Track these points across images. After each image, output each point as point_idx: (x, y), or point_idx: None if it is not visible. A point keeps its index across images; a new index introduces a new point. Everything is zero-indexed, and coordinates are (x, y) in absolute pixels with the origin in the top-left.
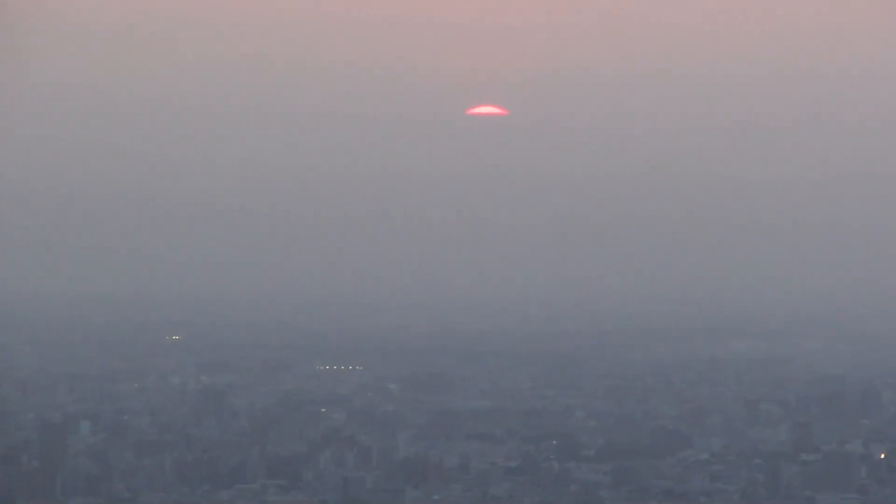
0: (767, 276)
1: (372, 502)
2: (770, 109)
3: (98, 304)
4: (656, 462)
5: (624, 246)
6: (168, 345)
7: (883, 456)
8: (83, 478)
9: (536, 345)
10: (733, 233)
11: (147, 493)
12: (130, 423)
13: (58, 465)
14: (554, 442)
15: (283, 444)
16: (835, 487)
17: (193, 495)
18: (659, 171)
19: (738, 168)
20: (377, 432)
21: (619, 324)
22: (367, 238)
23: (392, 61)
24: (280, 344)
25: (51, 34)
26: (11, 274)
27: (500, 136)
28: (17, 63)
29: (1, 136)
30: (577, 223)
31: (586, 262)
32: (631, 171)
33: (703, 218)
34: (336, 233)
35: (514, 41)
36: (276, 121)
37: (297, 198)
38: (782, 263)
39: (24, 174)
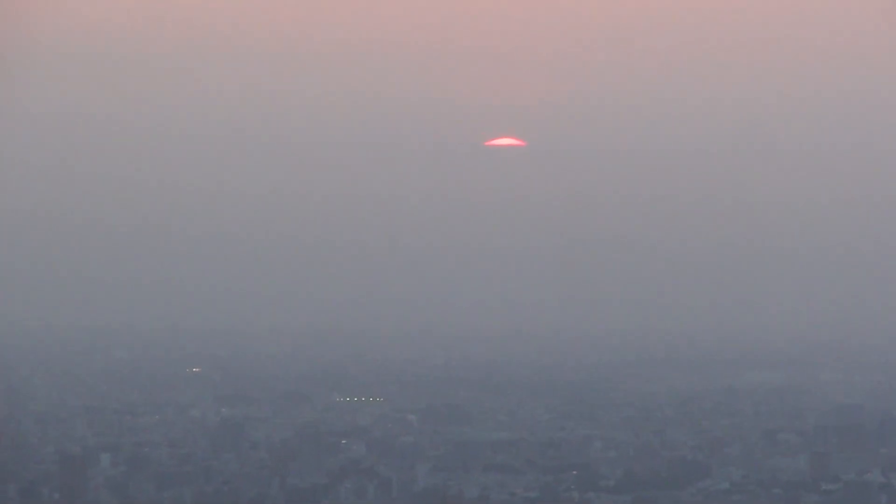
0: (784, 305)
1: None
2: (796, 133)
3: (117, 337)
4: (675, 492)
5: (641, 275)
6: (187, 377)
7: None
8: None
9: (554, 375)
10: (750, 261)
11: None
12: (150, 456)
13: (78, 498)
14: (573, 472)
15: (302, 476)
16: None
17: None
18: (675, 198)
19: (758, 195)
20: (396, 463)
21: (635, 354)
22: (384, 268)
23: (411, 91)
24: (298, 375)
25: (44, 57)
26: (30, 306)
27: (518, 166)
28: (21, 87)
29: (10, 164)
30: (594, 252)
31: (603, 292)
32: (645, 200)
33: (721, 246)
34: (354, 262)
35: (529, 71)
36: (293, 149)
37: (315, 228)
38: (799, 292)
39: (41, 205)
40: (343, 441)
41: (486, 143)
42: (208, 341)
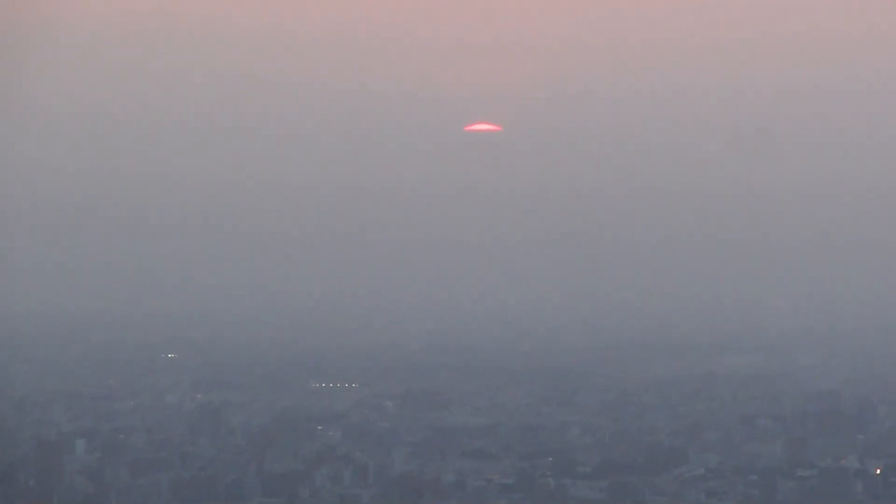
0: (763, 291)
1: None
2: (769, 122)
3: (94, 322)
4: (653, 478)
5: (619, 260)
6: (164, 362)
7: (879, 472)
8: (79, 496)
9: (532, 361)
10: (728, 247)
11: None
12: (126, 442)
13: (54, 483)
14: (550, 459)
15: (279, 462)
16: (831, 503)
17: None
18: (654, 185)
19: (734, 182)
20: (373, 449)
21: (614, 339)
22: (362, 254)
23: (391, 79)
24: (276, 361)
25: (45, 50)
26: (6, 291)
27: (495, 152)
28: (15, 78)
29: None
30: (573, 238)
31: (582, 277)
32: (625, 186)
33: (699, 232)
34: (332, 248)
35: (507, 58)
36: (270, 137)
37: (292, 213)
38: (777, 278)
39: (19, 190)
40: (320, 427)
41: (466, 128)
42: (185, 327)
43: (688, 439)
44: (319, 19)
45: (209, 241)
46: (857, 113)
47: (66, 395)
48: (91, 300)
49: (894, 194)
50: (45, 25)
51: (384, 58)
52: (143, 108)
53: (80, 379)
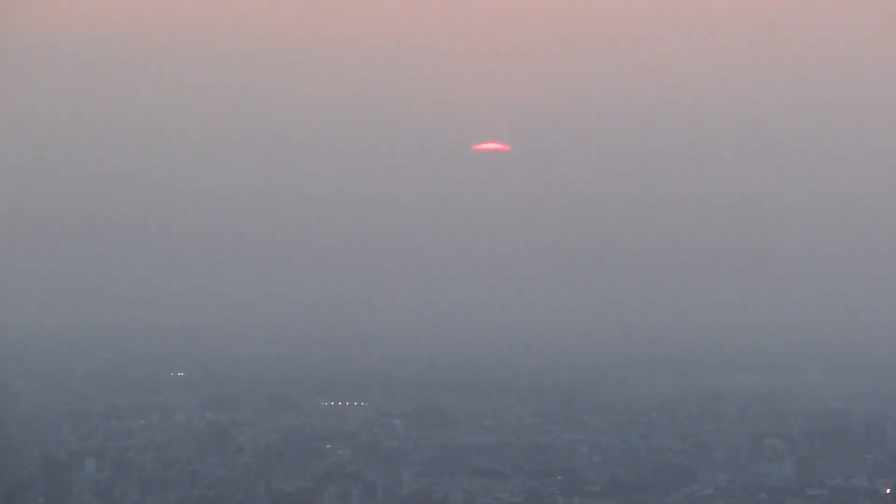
0: (769, 308)
1: None
2: (775, 137)
3: (101, 340)
4: (661, 497)
5: (626, 279)
6: (172, 381)
7: (888, 491)
8: None
9: (540, 379)
10: (735, 265)
11: None
12: (135, 460)
13: (62, 502)
14: (559, 477)
15: (287, 481)
16: None
17: None
18: (660, 203)
19: (742, 201)
20: (382, 468)
21: (621, 357)
22: (370, 271)
23: (399, 95)
24: (284, 379)
25: (37, 57)
26: (13, 309)
27: (502, 170)
28: (9, 86)
29: None
30: (579, 256)
31: (588, 295)
32: (631, 204)
33: (706, 250)
34: (340, 266)
35: (516, 76)
36: (279, 151)
37: (300, 231)
38: (784, 295)
39: (22, 204)
40: (328, 445)
41: (474, 147)
42: (193, 344)
43: (696, 458)
44: (328, 35)
45: (218, 258)
46: (872, 125)
47: (75, 413)
48: (98, 316)
49: None
50: (41, 37)
51: (394, 72)
52: (153, 116)
53: (89, 397)
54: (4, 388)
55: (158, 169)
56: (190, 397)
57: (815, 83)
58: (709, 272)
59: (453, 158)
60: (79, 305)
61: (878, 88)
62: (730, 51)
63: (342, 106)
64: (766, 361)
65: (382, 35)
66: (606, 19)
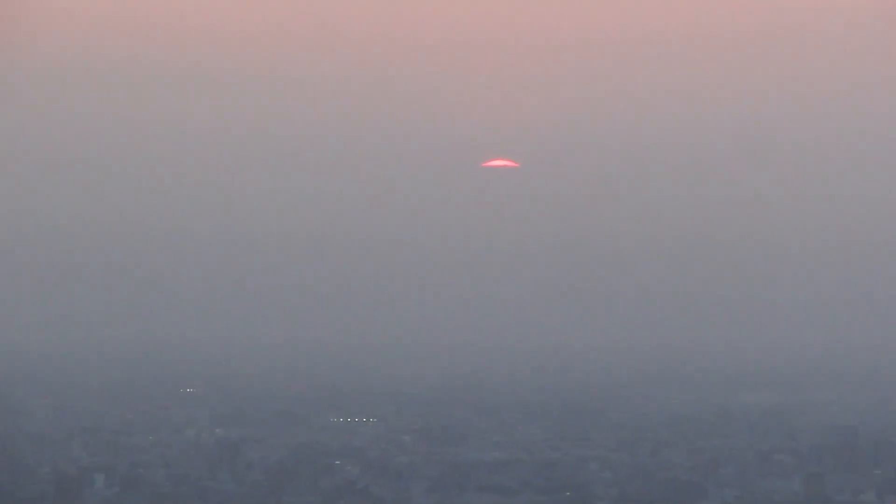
0: (778, 326)
1: None
2: (796, 150)
3: (112, 357)
4: None
5: (635, 298)
6: (182, 397)
7: None
8: None
9: (549, 396)
10: (745, 283)
11: None
12: (145, 477)
13: None
14: (568, 493)
15: (297, 497)
16: None
17: None
18: (672, 222)
19: (751, 217)
20: (391, 484)
21: (630, 374)
22: (380, 288)
23: (407, 116)
24: (294, 395)
25: (34, 73)
26: (25, 327)
27: (511, 188)
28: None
29: (6, 193)
30: (589, 273)
31: (599, 311)
32: (639, 225)
33: (716, 268)
34: (350, 283)
35: (524, 93)
36: (290, 167)
37: (311, 248)
38: (794, 312)
39: (36, 229)
40: (338, 462)
41: (483, 165)
42: (203, 361)
43: (705, 475)
44: (336, 56)
45: (228, 276)
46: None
47: (85, 429)
48: (109, 334)
49: None
50: (39, 32)
51: (404, 90)
52: (162, 126)
53: (99, 413)
54: (16, 405)
55: (169, 182)
56: (200, 413)
57: (816, 84)
58: (718, 291)
59: (464, 178)
60: (90, 323)
61: (879, 88)
62: (735, 61)
63: (352, 127)
64: (774, 378)
65: (394, 54)
66: (615, 40)
